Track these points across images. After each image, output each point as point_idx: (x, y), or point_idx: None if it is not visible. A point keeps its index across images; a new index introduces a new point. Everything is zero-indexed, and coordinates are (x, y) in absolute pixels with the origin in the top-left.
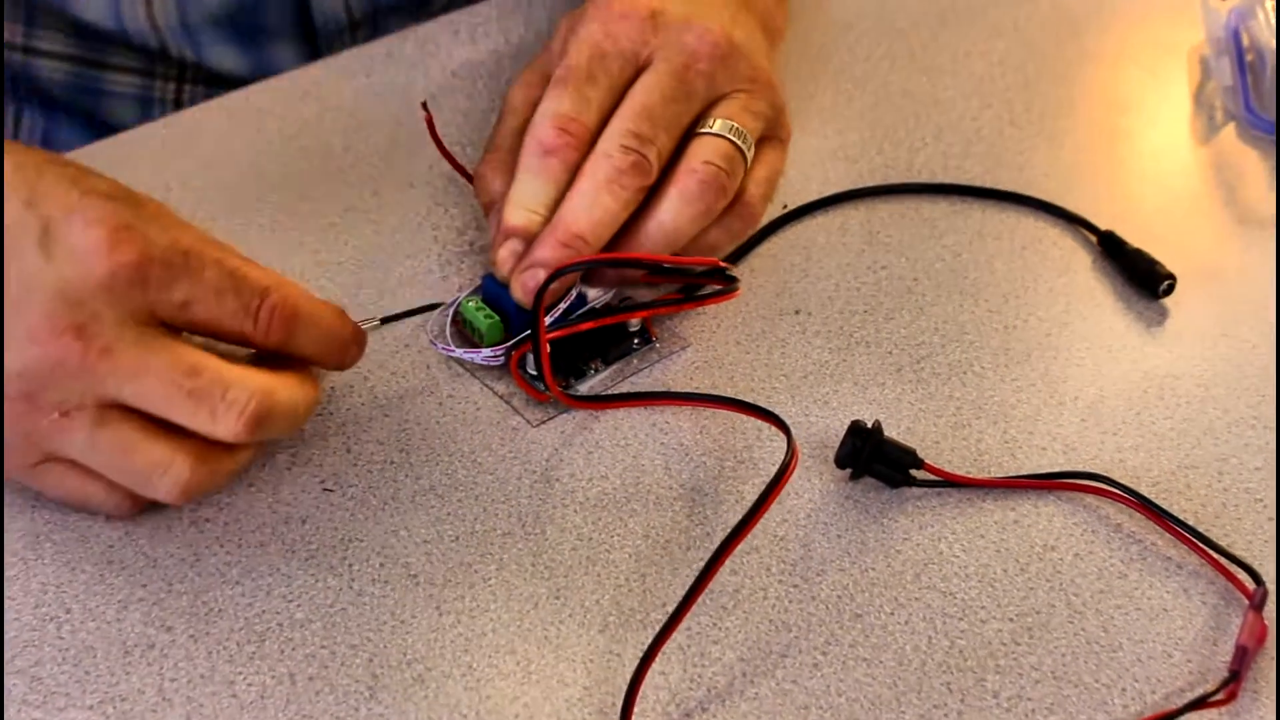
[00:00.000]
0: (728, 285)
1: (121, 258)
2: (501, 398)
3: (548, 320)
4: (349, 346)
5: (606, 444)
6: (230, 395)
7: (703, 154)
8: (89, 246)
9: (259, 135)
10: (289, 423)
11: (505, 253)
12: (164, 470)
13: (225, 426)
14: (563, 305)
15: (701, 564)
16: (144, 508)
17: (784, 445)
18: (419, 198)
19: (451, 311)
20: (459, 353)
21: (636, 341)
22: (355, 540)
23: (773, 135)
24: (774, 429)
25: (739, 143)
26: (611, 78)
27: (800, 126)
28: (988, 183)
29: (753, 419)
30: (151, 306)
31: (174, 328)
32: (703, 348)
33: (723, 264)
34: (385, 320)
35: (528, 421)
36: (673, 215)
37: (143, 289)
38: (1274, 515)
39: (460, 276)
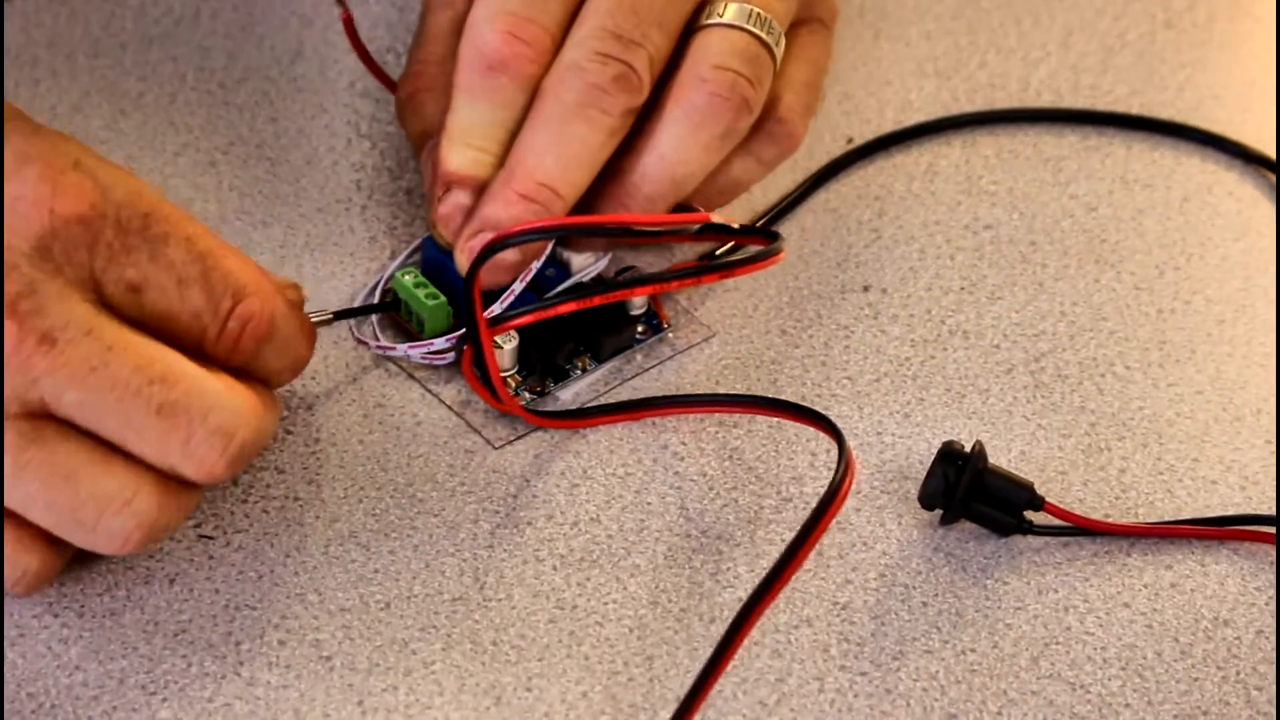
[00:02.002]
0: (767, 246)
1: (67, 208)
2: (451, 408)
3: (511, 300)
4: (301, 369)
5: (598, 473)
6: (214, 420)
7: (712, 55)
8: (21, 191)
9: (109, 35)
10: (253, 458)
11: (448, 208)
12: (121, 506)
13: (199, 463)
14: (533, 266)
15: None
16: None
17: (865, 473)
18: (334, 126)
19: (379, 289)
20: (391, 347)
21: (641, 330)
22: (244, 608)
23: (809, 16)
24: (825, 438)
25: (762, 34)
26: None
27: (869, 29)
28: (1135, 109)
29: (797, 426)
30: (97, 281)
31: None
32: (733, 338)
33: (744, 231)
34: (340, 315)
35: (488, 441)
36: (676, 144)
37: (89, 255)
38: None
39: (392, 239)
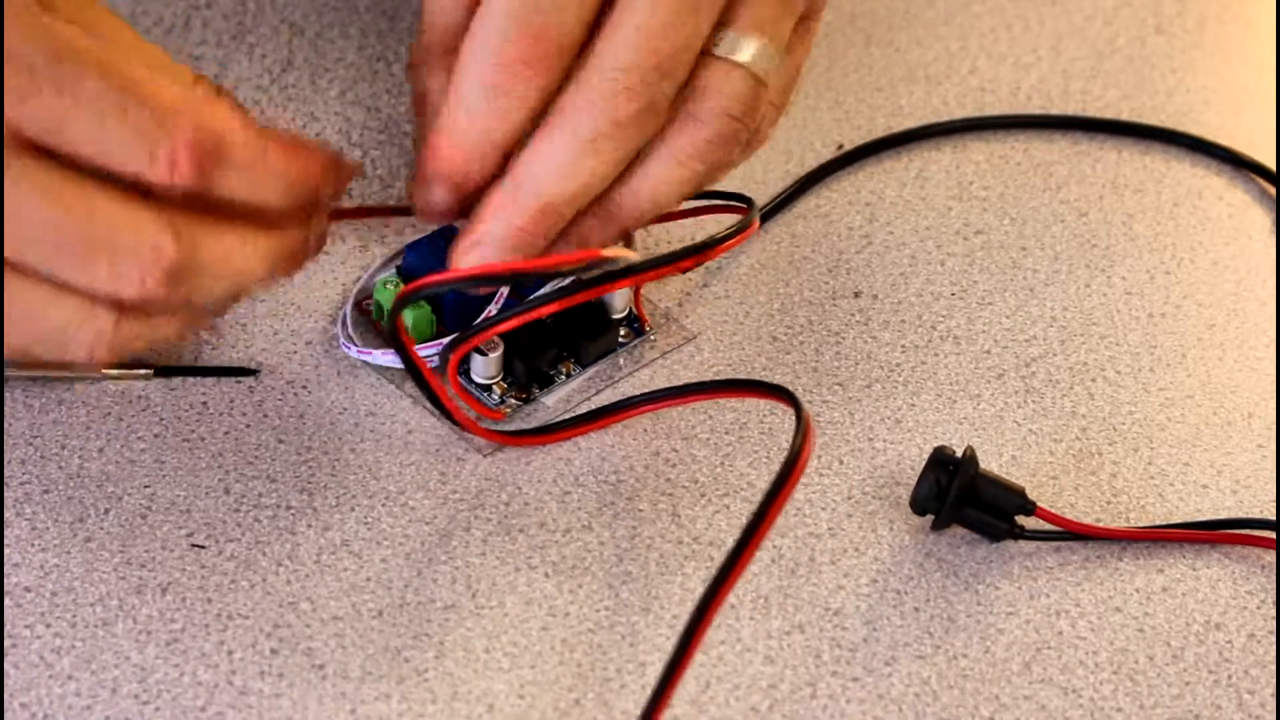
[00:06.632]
0: (741, 221)
1: None
2: (440, 417)
3: (501, 304)
4: (317, 186)
5: (589, 480)
6: (126, 241)
7: (710, 97)
8: None
9: None
10: (225, 284)
11: (425, 205)
12: (75, 331)
13: (128, 284)
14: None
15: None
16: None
17: (857, 478)
18: (326, 135)
19: (353, 295)
20: (374, 356)
21: (624, 334)
22: (237, 617)
23: (804, 14)
24: (822, 447)
25: (763, 76)
26: None
27: (860, 34)
28: (1125, 114)
29: (788, 432)
30: (15, 127)
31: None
32: (723, 344)
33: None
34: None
35: (479, 449)
36: (662, 177)
37: None
38: None
39: (383, 247)
